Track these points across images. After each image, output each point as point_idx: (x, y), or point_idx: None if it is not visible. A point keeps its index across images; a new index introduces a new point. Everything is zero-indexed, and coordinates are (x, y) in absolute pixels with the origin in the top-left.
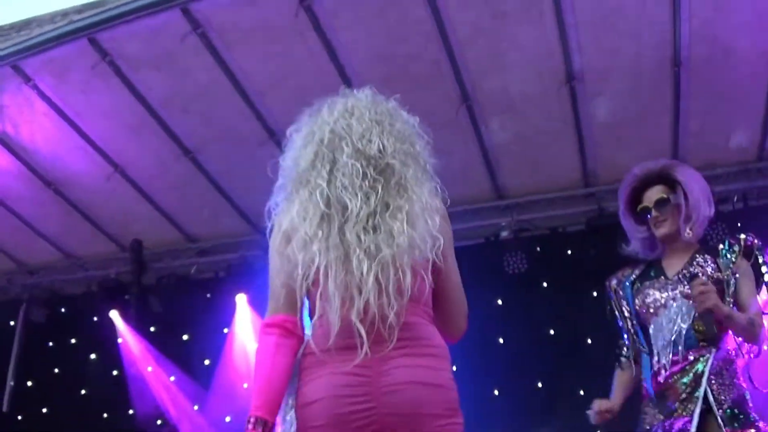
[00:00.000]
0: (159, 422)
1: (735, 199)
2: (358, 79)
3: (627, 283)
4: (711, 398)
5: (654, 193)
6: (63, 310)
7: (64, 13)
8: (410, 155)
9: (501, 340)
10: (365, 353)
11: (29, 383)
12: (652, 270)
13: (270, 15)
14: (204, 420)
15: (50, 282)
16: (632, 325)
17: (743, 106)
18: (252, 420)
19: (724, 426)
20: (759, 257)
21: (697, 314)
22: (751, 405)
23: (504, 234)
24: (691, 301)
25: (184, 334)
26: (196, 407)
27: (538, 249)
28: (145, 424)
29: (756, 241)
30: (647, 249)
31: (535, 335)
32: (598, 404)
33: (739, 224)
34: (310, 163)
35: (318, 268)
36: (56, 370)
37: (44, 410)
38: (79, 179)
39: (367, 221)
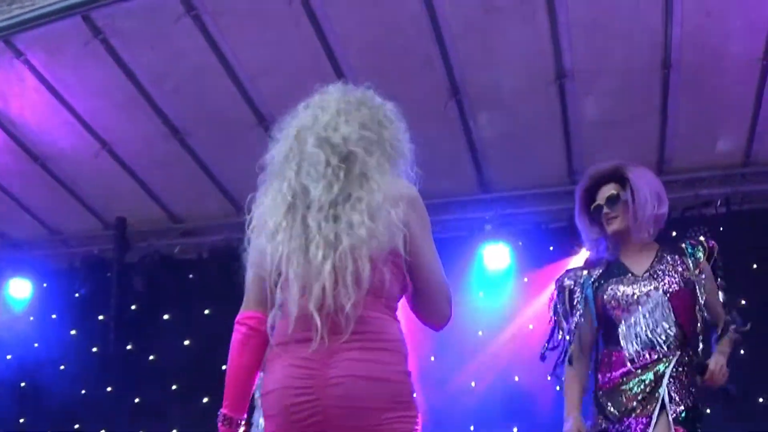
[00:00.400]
0: (137, 401)
1: (719, 203)
2: (350, 69)
3: (587, 283)
4: (667, 399)
5: (605, 191)
6: (45, 285)
7: None
8: (375, 143)
9: (480, 333)
10: (319, 344)
11: (9, 357)
12: (614, 269)
13: (265, 1)
14: (183, 401)
15: (33, 257)
16: (588, 321)
17: (731, 111)
18: (220, 417)
19: (674, 424)
20: (718, 261)
21: (672, 314)
22: (701, 417)
23: (487, 228)
24: (666, 298)
25: (166, 313)
26: (174, 387)
27: (521, 244)
28: (124, 402)
29: (715, 244)
30: (601, 251)
31: (515, 329)
32: None
33: (721, 228)
34: (284, 157)
35: (282, 258)
36: (36, 345)
37: (22, 385)
38: (66, 155)
39: (329, 210)
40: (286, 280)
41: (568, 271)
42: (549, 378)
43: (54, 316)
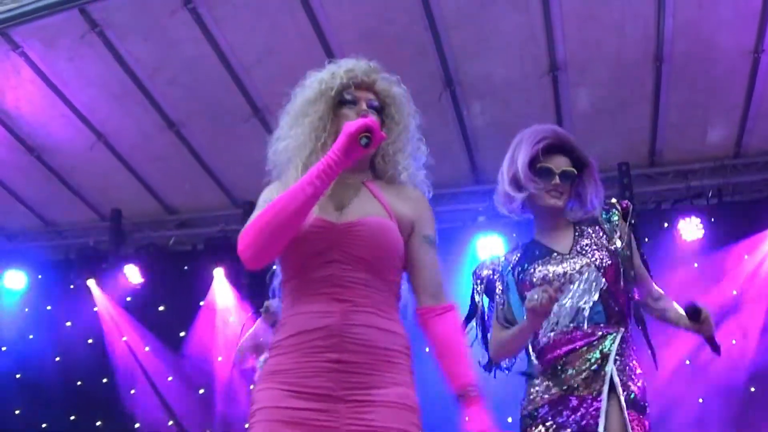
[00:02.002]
0: (132, 392)
1: (710, 194)
2: (344, 58)
3: (506, 269)
4: (616, 379)
5: (562, 162)
6: (40, 276)
7: None
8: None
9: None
10: None
11: (3, 348)
12: (535, 250)
13: None
14: (177, 391)
15: (27, 248)
16: (510, 312)
17: (722, 102)
18: None
19: (627, 409)
20: (633, 221)
21: (608, 290)
22: (646, 393)
23: (481, 219)
24: (600, 273)
25: (161, 305)
26: (169, 378)
27: (514, 235)
28: (119, 392)
29: (629, 204)
30: (515, 205)
31: None
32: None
33: (712, 219)
34: (308, 100)
35: None
36: (31, 336)
37: (17, 376)
38: (62, 147)
39: None
40: None
41: (483, 261)
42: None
43: (49, 308)
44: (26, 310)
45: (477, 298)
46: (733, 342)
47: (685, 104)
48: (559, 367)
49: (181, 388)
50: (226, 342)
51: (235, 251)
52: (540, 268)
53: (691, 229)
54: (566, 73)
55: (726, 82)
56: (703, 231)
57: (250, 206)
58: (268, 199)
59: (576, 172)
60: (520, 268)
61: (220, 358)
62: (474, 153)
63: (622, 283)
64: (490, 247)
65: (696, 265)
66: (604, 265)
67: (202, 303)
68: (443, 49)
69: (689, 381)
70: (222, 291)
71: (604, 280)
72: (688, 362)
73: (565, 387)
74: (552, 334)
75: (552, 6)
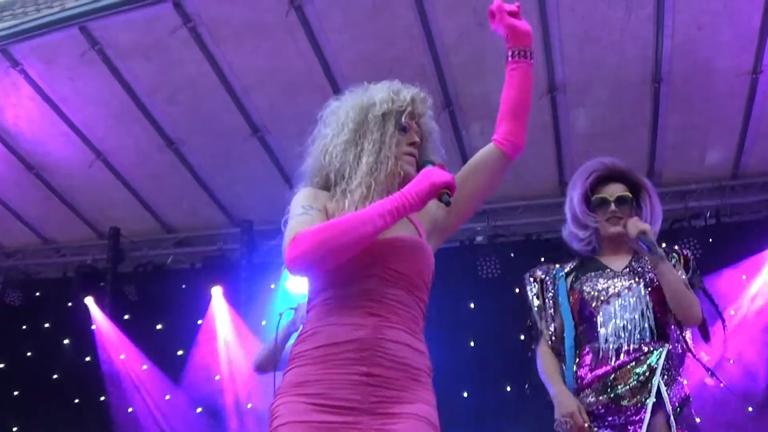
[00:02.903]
0: (129, 410)
1: (708, 215)
2: (344, 80)
3: (559, 275)
4: (663, 393)
5: (617, 189)
6: (38, 294)
7: None
8: None
9: (472, 343)
10: None
11: (1, 365)
12: (590, 264)
13: (261, 13)
14: (174, 410)
15: (26, 265)
16: (559, 316)
17: (720, 123)
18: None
19: (676, 425)
20: (696, 271)
21: (652, 309)
22: (692, 408)
23: (479, 239)
24: (647, 291)
25: (159, 323)
26: (167, 397)
27: (512, 255)
28: (116, 411)
29: (689, 254)
30: (583, 243)
31: (506, 340)
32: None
33: (710, 240)
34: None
35: None
36: (29, 354)
37: (15, 393)
38: (61, 165)
39: None
40: None
41: (540, 264)
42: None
43: (47, 326)
44: (24, 327)
45: (531, 299)
46: (731, 362)
47: (683, 125)
48: (609, 383)
49: (179, 406)
50: (227, 361)
51: (233, 270)
52: (592, 280)
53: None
54: (565, 94)
55: (724, 103)
56: (700, 252)
57: (249, 225)
58: (309, 204)
59: (631, 196)
60: (573, 277)
61: (218, 377)
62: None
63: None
64: (487, 269)
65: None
66: (653, 284)
67: (200, 322)
68: (443, 71)
69: None
70: (220, 310)
71: (649, 298)
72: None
73: (612, 396)
74: (604, 347)
75: (551, 27)
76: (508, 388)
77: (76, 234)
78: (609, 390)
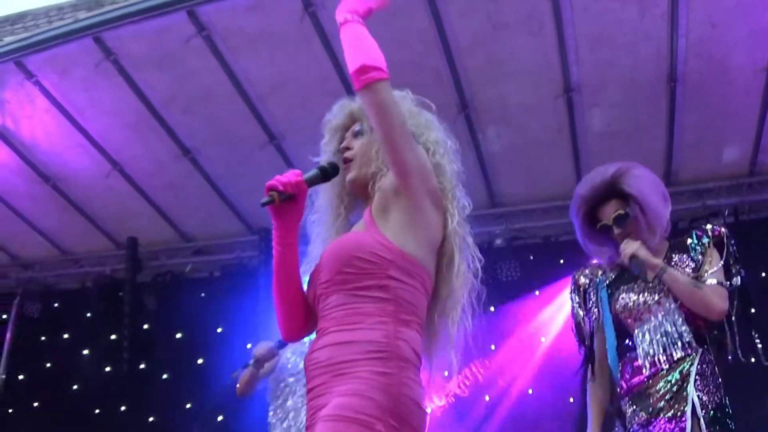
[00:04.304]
0: (151, 420)
1: (726, 213)
2: None
3: (601, 284)
4: (696, 399)
5: (610, 210)
6: (56, 305)
7: (59, 7)
8: None
9: (492, 347)
10: None
11: (21, 377)
12: (626, 273)
13: (275, 21)
14: (196, 418)
15: (44, 277)
16: (601, 326)
17: (736, 121)
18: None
19: (706, 428)
20: (729, 247)
21: (684, 318)
22: (729, 411)
23: (498, 242)
24: (677, 303)
25: (178, 332)
26: (188, 406)
27: (531, 257)
28: (137, 421)
29: (723, 230)
30: (609, 258)
31: (527, 343)
32: None
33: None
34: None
35: None
36: (48, 365)
37: (35, 404)
38: (78, 176)
39: None
40: None
41: (584, 267)
42: (572, 400)
43: (66, 337)
44: (43, 339)
45: (575, 309)
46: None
47: (699, 123)
48: (644, 391)
49: (201, 415)
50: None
51: (252, 278)
52: (624, 295)
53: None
54: (581, 95)
55: (740, 100)
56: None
57: (266, 232)
58: None
59: (624, 211)
60: (612, 288)
61: (238, 385)
62: (490, 177)
63: None
64: (507, 272)
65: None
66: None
67: (219, 330)
68: (458, 74)
69: None
70: (240, 318)
71: (679, 307)
72: None
73: (650, 410)
74: (641, 358)
75: (565, 28)
76: (530, 391)
77: (93, 245)
78: (645, 398)
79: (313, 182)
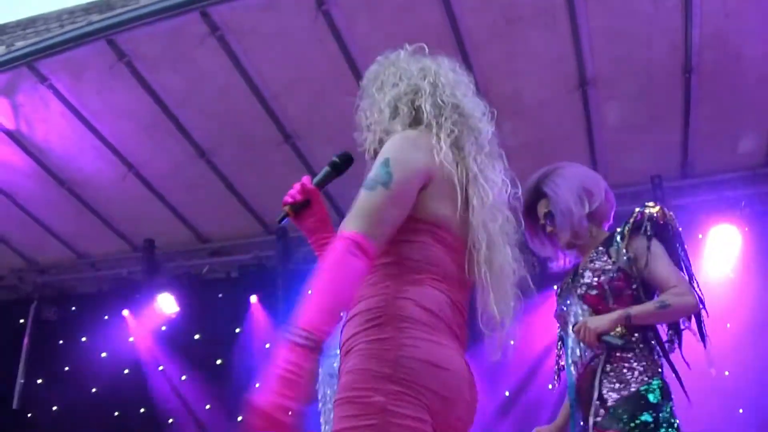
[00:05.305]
0: (170, 421)
1: (743, 203)
2: None
3: (558, 293)
4: (595, 396)
5: (541, 209)
6: (74, 308)
7: (71, 12)
8: None
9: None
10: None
11: (39, 381)
12: (570, 276)
13: (289, 19)
14: (215, 419)
15: (61, 281)
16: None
17: (752, 111)
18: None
19: (606, 427)
20: (647, 229)
21: (587, 316)
22: (650, 404)
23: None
24: (585, 308)
25: (197, 333)
26: (207, 407)
27: None
28: (156, 423)
29: (647, 211)
30: (568, 262)
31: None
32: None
33: (746, 228)
34: None
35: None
36: (67, 368)
37: (54, 408)
38: (93, 179)
39: None
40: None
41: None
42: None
43: (84, 340)
44: (61, 342)
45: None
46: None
47: (715, 114)
48: (579, 399)
49: (220, 416)
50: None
51: (269, 278)
52: (560, 300)
53: (725, 239)
54: (596, 88)
55: (755, 91)
56: (738, 240)
57: (283, 232)
58: None
59: (548, 210)
60: (560, 297)
61: (257, 385)
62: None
63: (610, 301)
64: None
65: (731, 275)
66: (589, 292)
67: (238, 330)
68: (472, 68)
69: (723, 397)
70: (258, 318)
71: (586, 308)
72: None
73: (583, 417)
74: (572, 368)
75: (579, 22)
76: (550, 386)
77: (110, 247)
78: (579, 402)
79: (324, 180)
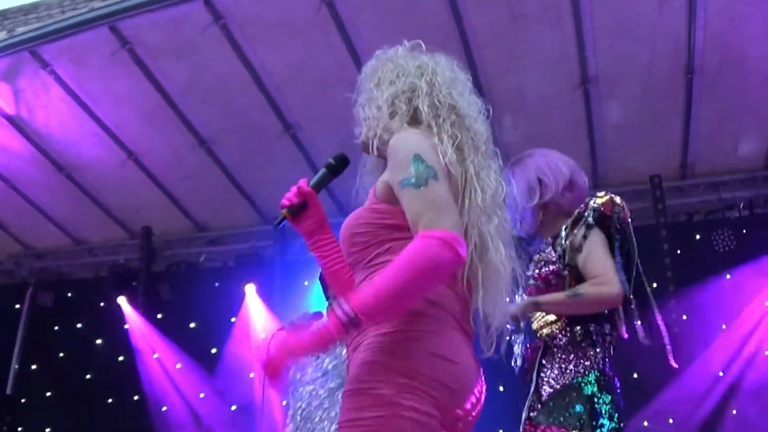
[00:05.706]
0: (164, 409)
1: (741, 206)
2: None
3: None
4: (531, 390)
5: None
6: (70, 294)
7: None
8: None
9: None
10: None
11: (34, 366)
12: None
13: (292, 10)
14: (209, 408)
15: (57, 266)
16: None
17: (753, 114)
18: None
19: (539, 422)
20: (588, 218)
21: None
22: (583, 396)
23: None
24: (524, 294)
25: (192, 321)
26: (201, 395)
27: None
28: (150, 410)
29: (591, 202)
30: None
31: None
32: None
33: (744, 231)
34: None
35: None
36: (61, 354)
37: (48, 394)
38: (92, 165)
39: None
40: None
41: None
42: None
43: (80, 326)
44: (56, 328)
45: None
46: (767, 353)
47: (716, 116)
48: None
49: (214, 404)
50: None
51: (266, 268)
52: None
53: (722, 241)
54: (598, 87)
55: (757, 93)
56: (734, 243)
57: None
58: None
59: None
60: None
61: (252, 374)
62: (506, 166)
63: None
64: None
65: (728, 276)
66: (529, 282)
67: (233, 319)
68: (475, 65)
69: (724, 392)
70: (254, 307)
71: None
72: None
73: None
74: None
75: (583, 20)
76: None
77: (108, 234)
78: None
79: (320, 182)
